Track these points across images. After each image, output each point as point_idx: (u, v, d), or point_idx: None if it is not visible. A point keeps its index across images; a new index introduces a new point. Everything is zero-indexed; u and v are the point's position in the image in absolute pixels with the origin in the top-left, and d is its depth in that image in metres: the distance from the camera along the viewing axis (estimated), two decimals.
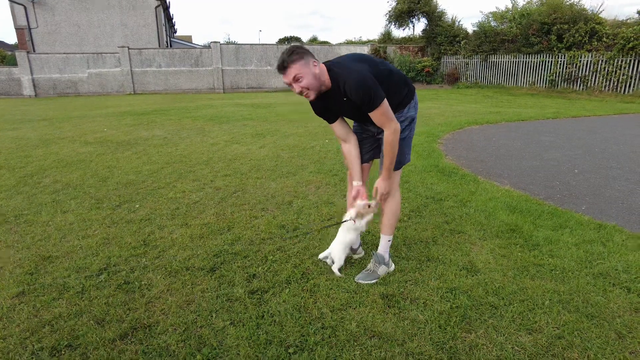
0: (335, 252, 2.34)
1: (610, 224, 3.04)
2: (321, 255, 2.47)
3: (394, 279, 2.28)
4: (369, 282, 2.24)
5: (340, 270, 2.34)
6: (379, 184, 2.21)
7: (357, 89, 1.91)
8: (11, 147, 6.26)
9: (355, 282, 2.26)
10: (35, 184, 4.25)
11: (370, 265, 2.32)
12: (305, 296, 2.14)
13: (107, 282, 2.32)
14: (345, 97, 2.00)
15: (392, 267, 2.38)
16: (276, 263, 2.49)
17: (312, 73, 1.93)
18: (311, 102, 2.16)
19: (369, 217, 2.35)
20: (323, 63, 2.03)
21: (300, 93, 1.97)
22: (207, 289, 2.23)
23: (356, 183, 2.29)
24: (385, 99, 1.97)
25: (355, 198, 2.28)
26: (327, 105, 2.14)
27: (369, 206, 2.27)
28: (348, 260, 2.51)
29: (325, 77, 1.99)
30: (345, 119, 2.27)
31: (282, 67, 1.93)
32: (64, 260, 2.59)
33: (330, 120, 2.22)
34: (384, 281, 2.26)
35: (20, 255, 2.66)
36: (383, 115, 1.99)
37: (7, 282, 2.34)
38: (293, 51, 1.92)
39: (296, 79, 1.93)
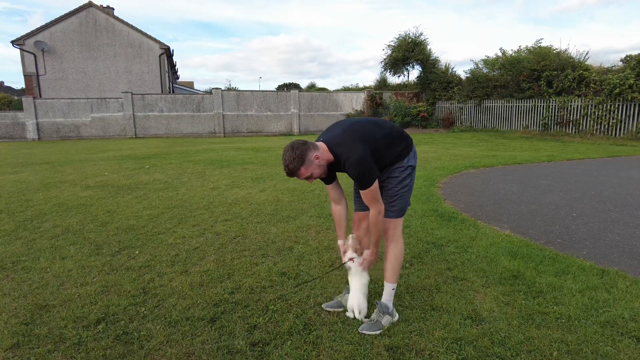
0: (356, 300, 2.33)
1: (612, 269, 3.02)
2: (327, 306, 2.46)
3: (398, 330, 2.24)
4: (373, 332, 2.20)
5: (367, 316, 2.35)
6: (366, 254, 2.39)
7: (355, 169, 2.12)
8: (12, 190, 6.28)
9: (359, 333, 2.21)
10: (35, 229, 4.24)
11: (374, 315, 2.29)
12: (308, 349, 2.08)
13: (105, 332, 2.27)
14: (343, 170, 2.21)
15: (397, 316, 2.34)
16: (277, 313, 2.44)
17: (316, 166, 2.13)
18: None
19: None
20: (324, 141, 2.20)
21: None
22: (207, 340, 2.17)
23: (341, 242, 2.50)
24: (377, 182, 2.15)
25: (344, 252, 2.46)
26: (328, 170, 2.31)
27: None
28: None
29: (328, 156, 2.18)
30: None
31: (291, 175, 2.14)
32: (61, 309, 2.54)
33: (327, 182, 2.40)
34: (388, 332, 2.22)
35: (16, 304, 2.61)
36: (371, 196, 2.18)
37: (2, 333, 2.28)
38: (294, 158, 2.07)
39: (307, 177, 2.16)
